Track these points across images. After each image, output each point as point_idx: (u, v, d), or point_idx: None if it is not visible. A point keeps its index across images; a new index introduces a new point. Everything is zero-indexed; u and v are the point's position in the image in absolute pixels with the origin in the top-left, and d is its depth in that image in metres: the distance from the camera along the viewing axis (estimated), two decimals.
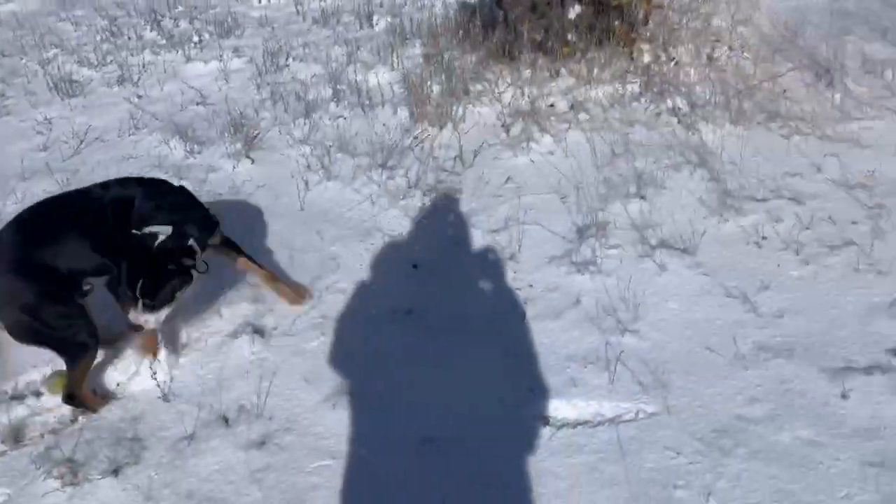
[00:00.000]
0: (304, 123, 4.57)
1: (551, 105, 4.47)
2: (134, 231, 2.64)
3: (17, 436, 2.69)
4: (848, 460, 2.32)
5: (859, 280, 2.99)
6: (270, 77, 5.24)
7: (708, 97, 4.24)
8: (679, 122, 4.13)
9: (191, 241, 2.70)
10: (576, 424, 2.58)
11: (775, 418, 2.48)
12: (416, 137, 4.32)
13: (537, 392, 2.69)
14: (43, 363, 2.97)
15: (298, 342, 3.02)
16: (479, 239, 3.50)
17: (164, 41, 6.04)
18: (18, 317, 2.55)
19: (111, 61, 5.75)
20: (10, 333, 2.59)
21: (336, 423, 2.65)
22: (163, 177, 3.42)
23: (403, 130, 4.38)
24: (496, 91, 4.59)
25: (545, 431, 2.55)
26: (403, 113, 4.55)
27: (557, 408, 2.64)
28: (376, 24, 5.96)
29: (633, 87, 4.46)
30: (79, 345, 2.65)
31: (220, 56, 5.60)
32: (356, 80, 4.94)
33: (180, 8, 6.82)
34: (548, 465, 2.43)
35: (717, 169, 3.70)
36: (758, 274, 3.08)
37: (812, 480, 2.27)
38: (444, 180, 3.92)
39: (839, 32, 4.63)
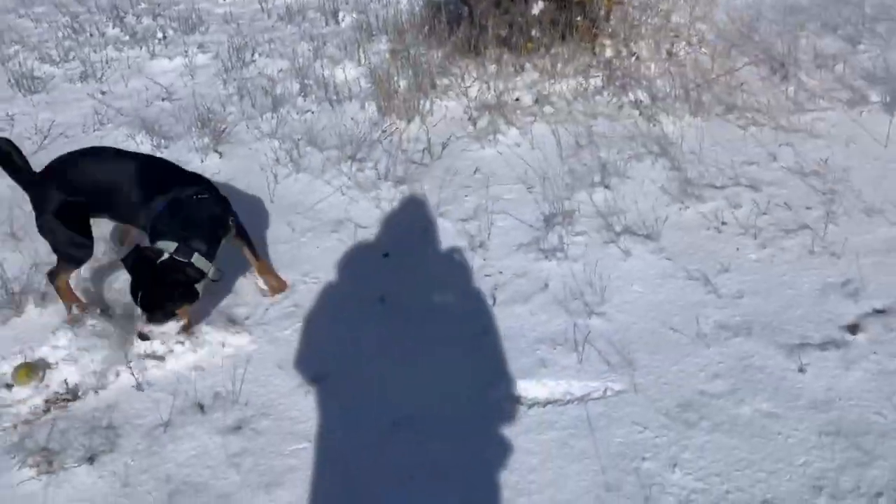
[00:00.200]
0: (272, 118, 4.59)
1: (517, 99, 4.56)
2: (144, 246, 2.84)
3: None
4: (805, 430, 2.43)
5: (814, 262, 3.11)
6: (236, 73, 5.23)
7: (668, 90, 4.36)
8: (640, 114, 4.24)
9: (195, 258, 2.79)
10: (546, 403, 2.65)
11: (736, 392, 2.58)
12: (384, 131, 4.36)
13: (507, 373, 2.76)
14: (11, 355, 2.96)
15: (272, 330, 3.05)
16: (448, 228, 3.56)
17: (127, 38, 5.99)
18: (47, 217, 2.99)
19: (73, 58, 5.69)
20: (40, 229, 3.05)
21: (310, 408, 2.69)
22: None
23: (371, 124, 4.43)
24: (462, 85, 4.66)
25: (516, 410, 2.62)
26: (371, 107, 4.59)
27: (528, 388, 2.71)
28: (342, 20, 5.98)
29: (596, 80, 4.57)
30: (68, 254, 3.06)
31: (185, 52, 5.57)
32: (323, 76, 4.97)
33: (143, 5, 6.76)
34: (520, 442, 2.50)
35: (678, 158, 3.81)
36: (718, 257, 3.19)
37: (772, 450, 2.38)
38: (413, 172, 3.97)
39: (793, 28, 4.80)
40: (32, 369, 2.84)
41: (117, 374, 2.83)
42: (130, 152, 3.22)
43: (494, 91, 4.56)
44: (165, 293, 2.77)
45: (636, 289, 3.08)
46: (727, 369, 2.68)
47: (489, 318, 3.03)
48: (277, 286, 3.27)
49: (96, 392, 2.78)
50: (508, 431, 2.54)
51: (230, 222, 3.06)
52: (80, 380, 2.83)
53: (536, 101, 4.48)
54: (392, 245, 3.50)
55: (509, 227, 3.51)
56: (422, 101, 4.50)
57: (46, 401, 2.78)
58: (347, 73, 5.01)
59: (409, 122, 4.41)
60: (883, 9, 5.02)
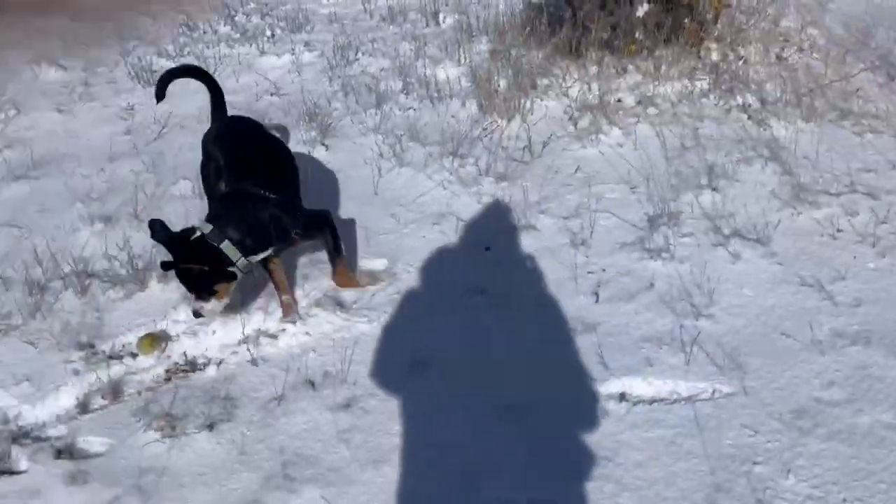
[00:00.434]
0: (376, 114, 4.70)
1: (619, 100, 4.53)
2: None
3: (116, 392, 2.85)
4: None
5: None
6: (341, 70, 5.39)
7: (778, 95, 4.25)
8: (749, 118, 4.14)
9: (225, 244, 2.77)
10: (652, 401, 2.63)
11: (854, 401, 2.50)
12: (484, 128, 4.41)
13: (612, 369, 2.75)
14: (136, 327, 3.15)
15: (377, 315, 3.13)
16: (550, 225, 3.57)
17: (237, 35, 6.26)
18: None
19: (188, 53, 5.98)
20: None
21: (414, 392, 2.75)
22: None
23: (472, 121, 4.48)
24: (563, 86, 4.67)
25: (622, 406, 2.61)
26: (471, 105, 4.65)
27: (633, 385, 2.69)
28: (443, 21, 6.07)
29: (702, 83, 4.49)
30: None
31: (293, 50, 5.78)
32: (425, 74, 5.06)
33: (252, 4, 7.04)
34: (626, 437, 2.49)
35: (790, 163, 3.71)
36: (833, 264, 3.09)
37: (893, 461, 2.29)
38: (514, 169, 4.00)
39: None
40: (156, 340, 3.02)
41: (234, 350, 2.97)
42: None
43: (596, 92, 4.54)
44: (191, 271, 2.78)
45: (746, 292, 3.01)
46: (844, 378, 2.59)
47: (592, 314, 3.02)
48: (287, 306, 3.16)
49: (217, 365, 2.93)
50: (613, 427, 2.54)
51: (293, 235, 3.02)
52: (198, 352, 2.98)
53: (639, 103, 4.44)
54: (493, 239, 3.54)
55: (612, 226, 3.49)
56: (522, 101, 4.52)
57: (167, 370, 2.95)
58: (448, 72, 5.09)
59: (509, 120, 4.44)
60: None
